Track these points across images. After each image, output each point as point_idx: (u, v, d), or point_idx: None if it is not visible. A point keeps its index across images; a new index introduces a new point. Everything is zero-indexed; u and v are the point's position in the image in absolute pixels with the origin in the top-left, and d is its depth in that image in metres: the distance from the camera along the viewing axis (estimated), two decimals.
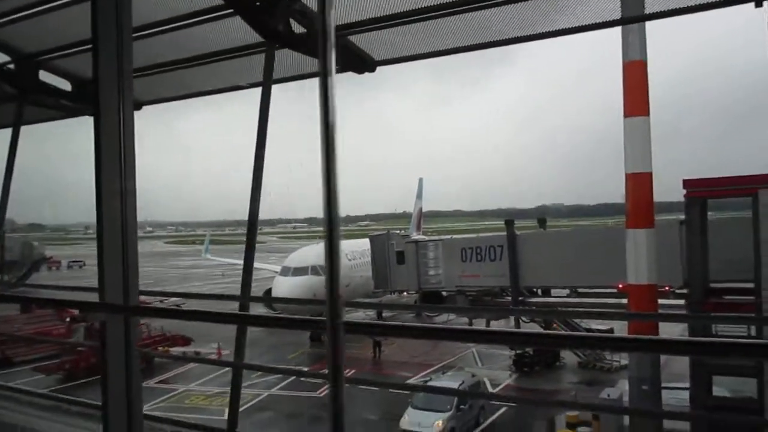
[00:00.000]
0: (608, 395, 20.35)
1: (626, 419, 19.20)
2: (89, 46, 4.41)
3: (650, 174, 18.11)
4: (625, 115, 18.02)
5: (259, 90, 6.14)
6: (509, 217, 33.44)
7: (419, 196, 64.05)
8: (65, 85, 8.17)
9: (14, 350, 32.45)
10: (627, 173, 18.22)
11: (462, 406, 22.42)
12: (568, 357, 32.28)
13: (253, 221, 5.63)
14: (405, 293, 37.19)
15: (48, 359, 31.19)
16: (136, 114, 4.54)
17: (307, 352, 35.92)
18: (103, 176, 4.20)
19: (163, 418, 5.17)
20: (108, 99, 4.27)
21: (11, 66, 7.71)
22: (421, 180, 65.20)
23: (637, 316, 15.66)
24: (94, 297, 4.39)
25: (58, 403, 5.54)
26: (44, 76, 7.84)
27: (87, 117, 9.85)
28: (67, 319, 39.64)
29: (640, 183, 18.06)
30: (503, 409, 25.13)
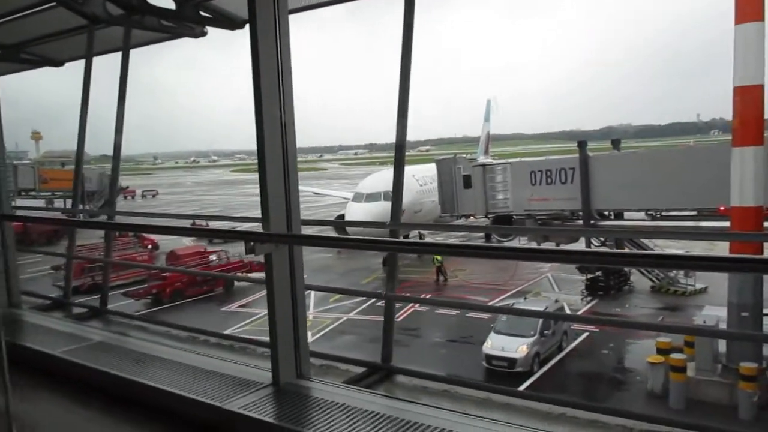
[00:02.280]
0: (704, 321, 19.59)
1: (722, 348, 18.56)
2: None
3: (761, 87, 16.64)
4: (737, 22, 16.44)
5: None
6: (573, 139, 32.05)
7: (487, 118, 62.28)
8: (168, 3, 7.77)
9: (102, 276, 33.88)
10: (735, 86, 16.79)
11: (546, 332, 22.16)
12: (639, 283, 31.47)
13: (400, 145, 5.17)
14: (472, 218, 36.78)
15: (132, 285, 32.50)
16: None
17: (381, 278, 36.23)
18: (263, 97, 3.78)
19: (325, 354, 4.95)
20: (262, 5, 3.78)
21: None
22: (489, 102, 63.25)
23: (729, 236, 14.74)
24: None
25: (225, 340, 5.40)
26: None
27: (170, 41, 9.59)
28: (149, 247, 41.19)
29: (750, 97, 16.63)
30: (585, 335, 24.81)
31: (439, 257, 33.92)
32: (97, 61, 10.36)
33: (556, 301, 26.15)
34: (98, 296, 8.25)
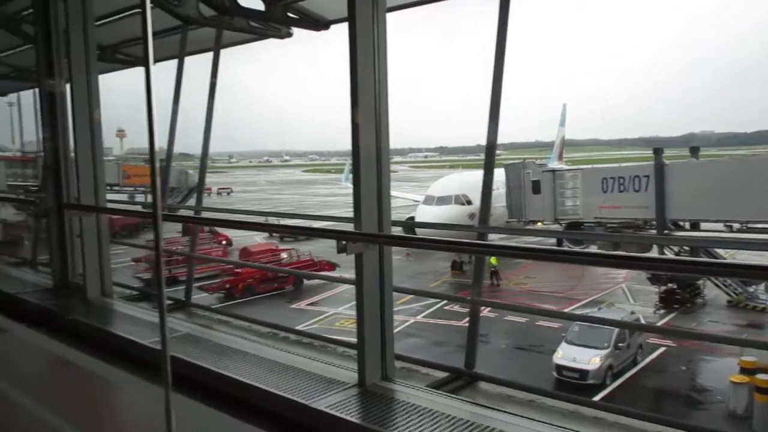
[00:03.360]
0: None
1: None
2: None
3: None
4: None
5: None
6: (651, 146, 31.01)
7: (562, 123, 60.97)
8: (257, 4, 7.92)
9: (179, 270, 35.11)
10: None
11: (620, 344, 21.43)
12: (717, 297, 29.95)
13: (491, 147, 5.07)
14: (539, 224, 36.17)
15: (206, 279, 33.47)
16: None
17: (450, 282, 36.00)
18: (360, 95, 3.76)
19: (411, 358, 4.90)
20: (362, 3, 3.76)
21: None
22: (564, 106, 61.91)
23: None
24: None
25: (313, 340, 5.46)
26: None
27: (259, 42, 9.79)
28: (223, 242, 42.37)
29: None
30: (661, 350, 23.82)
31: (494, 261, 33.45)
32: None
33: (632, 312, 25.25)
34: (181, 288, 8.52)
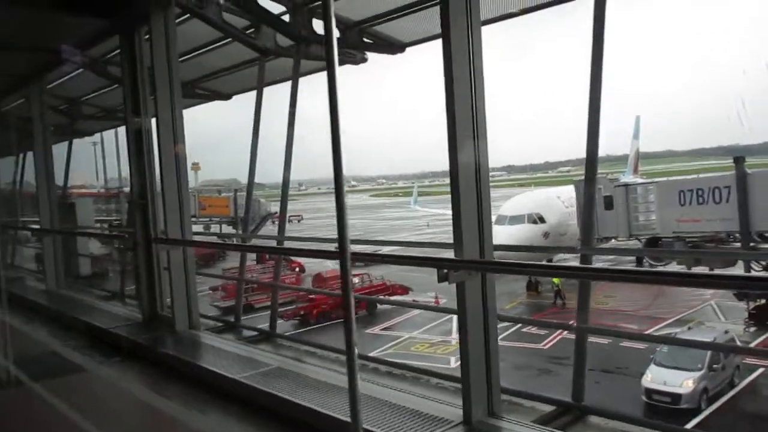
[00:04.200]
0: None
1: None
2: None
3: None
4: None
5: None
6: (730, 155, 29.52)
7: (636, 136, 58.91)
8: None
9: (255, 297, 35.72)
10: None
11: (715, 365, 20.16)
12: None
13: (591, 160, 4.76)
14: (613, 240, 35.00)
15: (282, 305, 33.85)
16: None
17: (525, 303, 35.11)
18: (457, 111, 3.57)
19: (519, 392, 4.62)
20: (456, 17, 3.59)
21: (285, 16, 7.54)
22: (638, 118, 59.74)
23: None
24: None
25: (414, 374, 5.27)
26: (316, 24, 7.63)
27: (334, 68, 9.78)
28: (297, 269, 42.90)
29: None
30: (760, 371, 22.29)
31: (556, 280, 32.44)
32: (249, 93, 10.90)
33: (726, 331, 23.78)
34: (257, 315, 8.47)
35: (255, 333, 7.86)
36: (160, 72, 6.61)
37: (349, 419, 3.86)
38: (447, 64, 3.57)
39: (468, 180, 3.62)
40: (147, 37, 6.90)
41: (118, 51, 8.48)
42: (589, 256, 4.60)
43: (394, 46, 8.22)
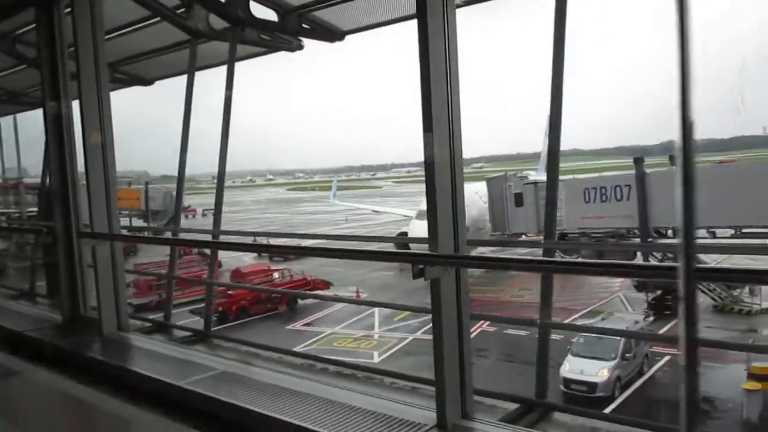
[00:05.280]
0: None
1: None
2: None
3: None
4: None
5: None
6: (631, 155, 31.39)
7: (547, 134, 61.09)
8: (270, 15, 7.54)
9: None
10: None
11: (627, 354, 21.12)
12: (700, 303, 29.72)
13: (554, 157, 4.67)
14: (523, 236, 36.25)
15: (197, 302, 32.69)
16: None
17: None
18: (433, 101, 3.37)
19: (495, 393, 4.47)
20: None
21: None
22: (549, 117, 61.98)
23: None
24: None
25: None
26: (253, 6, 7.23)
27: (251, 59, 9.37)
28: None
29: None
30: (667, 358, 23.54)
31: None
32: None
33: (637, 322, 25.01)
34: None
35: (189, 333, 7.41)
36: (85, 51, 6.03)
37: (317, 428, 3.62)
38: (423, 49, 3.37)
39: (443, 171, 3.44)
40: (68, 11, 6.29)
41: (30, 27, 7.78)
42: (552, 250, 4.56)
43: (333, 34, 7.92)
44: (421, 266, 3.34)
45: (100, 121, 6.12)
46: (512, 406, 4.49)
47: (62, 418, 5.47)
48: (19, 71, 10.84)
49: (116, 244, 6.35)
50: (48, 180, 9.74)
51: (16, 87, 12.54)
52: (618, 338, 21.00)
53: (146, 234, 32.29)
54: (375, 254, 3.96)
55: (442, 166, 3.43)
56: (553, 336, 20.84)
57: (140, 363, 5.29)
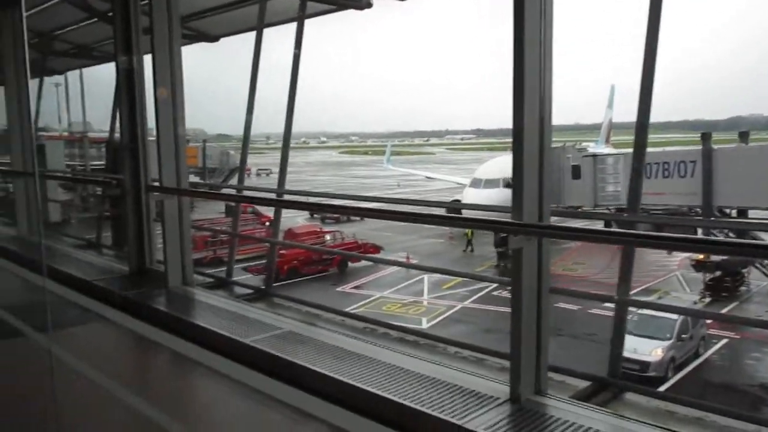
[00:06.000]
0: None
1: None
2: None
3: None
4: None
5: None
6: (696, 129, 29.99)
7: (610, 105, 59.14)
8: None
9: (223, 251, 35.06)
10: None
11: (683, 335, 20.57)
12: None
13: (643, 126, 4.42)
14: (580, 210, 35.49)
15: (250, 260, 33.31)
16: None
17: (495, 266, 35.29)
18: (526, 58, 3.18)
19: (569, 370, 4.35)
20: None
21: None
22: (612, 87, 59.85)
23: None
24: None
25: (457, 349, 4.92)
26: None
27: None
28: (267, 224, 42.31)
29: None
30: (724, 341, 22.88)
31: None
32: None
33: (695, 303, 24.29)
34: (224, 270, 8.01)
35: (250, 291, 7.49)
36: (158, 3, 6.01)
37: (383, 393, 3.56)
38: (518, 8, 3.17)
39: (531, 140, 3.27)
40: None
41: None
42: (635, 223, 4.35)
43: None
44: (504, 234, 3.20)
45: (171, 76, 6.11)
46: (581, 384, 4.34)
47: (132, 359, 5.62)
48: (86, 25, 11.00)
49: (184, 200, 6.40)
50: (116, 134, 9.91)
51: (85, 41, 12.74)
52: (674, 317, 20.43)
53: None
54: (450, 219, 3.83)
55: (530, 134, 3.26)
56: (602, 311, 20.56)
57: (205, 317, 5.34)
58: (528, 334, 3.41)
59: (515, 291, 3.35)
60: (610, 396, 4.17)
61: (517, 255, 3.28)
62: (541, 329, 3.47)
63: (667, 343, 20.07)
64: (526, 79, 3.20)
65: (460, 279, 30.85)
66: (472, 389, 3.58)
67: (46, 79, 16.81)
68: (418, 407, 3.38)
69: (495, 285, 29.36)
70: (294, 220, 43.51)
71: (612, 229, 3.22)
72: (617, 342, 4.68)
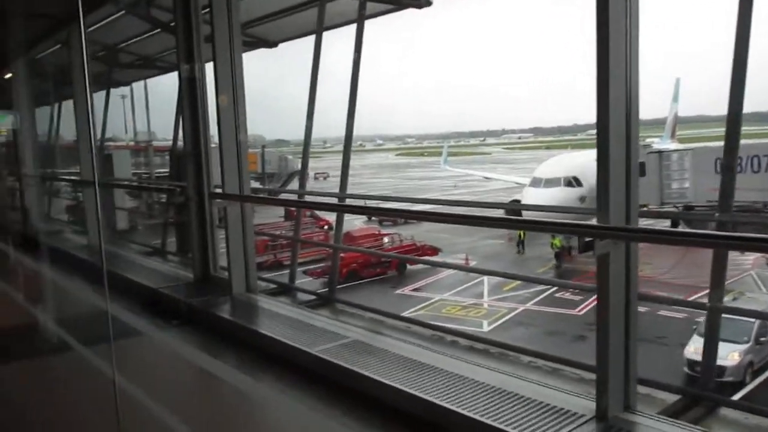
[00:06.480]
0: None
1: None
2: None
3: None
4: None
5: None
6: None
7: (675, 99, 57.03)
8: None
9: (283, 255, 35.45)
10: None
11: (762, 339, 19.47)
12: None
13: (735, 118, 4.10)
14: (645, 208, 34.27)
15: (309, 264, 33.53)
16: None
17: (555, 266, 34.46)
18: (611, 54, 2.95)
19: (658, 382, 4.08)
20: None
21: None
22: (678, 80, 57.75)
23: None
24: None
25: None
26: None
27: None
28: (325, 227, 42.64)
29: None
30: None
31: (558, 241, 32.60)
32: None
33: None
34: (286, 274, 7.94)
35: (313, 297, 7.42)
36: (219, 13, 6.00)
37: (453, 407, 3.37)
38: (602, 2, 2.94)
39: (617, 139, 3.02)
40: None
41: None
42: (727, 224, 4.05)
43: None
44: (589, 239, 2.97)
45: (232, 83, 6.10)
46: (669, 397, 4.04)
47: (198, 379, 5.58)
48: (149, 37, 11.20)
49: (246, 206, 6.37)
50: (180, 142, 10.04)
51: (148, 52, 13.02)
52: (752, 320, 19.38)
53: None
54: (527, 223, 3.64)
55: (616, 132, 3.01)
56: (675, 314, 19.69)
57: (269, 326, 5.27)
58: (616, 345, 3.16)
59: (602, 299, 3.10)
60: (703, 411, 3.85)
61: (603, 260, 3.03)
62: (630, 339, 3.21)
63: (744, 347, 19.03)
64: (611, 73, 2.96)
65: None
66: (553, 405, 3.35)
67: (113, 90, 17.31)
68: (500, 426, 3.17)
69: (556, 287, 28.65)
70: (352, 223, 43.66)
71: (714, 232, 2.93)
72: (711, 353, 4.33)
